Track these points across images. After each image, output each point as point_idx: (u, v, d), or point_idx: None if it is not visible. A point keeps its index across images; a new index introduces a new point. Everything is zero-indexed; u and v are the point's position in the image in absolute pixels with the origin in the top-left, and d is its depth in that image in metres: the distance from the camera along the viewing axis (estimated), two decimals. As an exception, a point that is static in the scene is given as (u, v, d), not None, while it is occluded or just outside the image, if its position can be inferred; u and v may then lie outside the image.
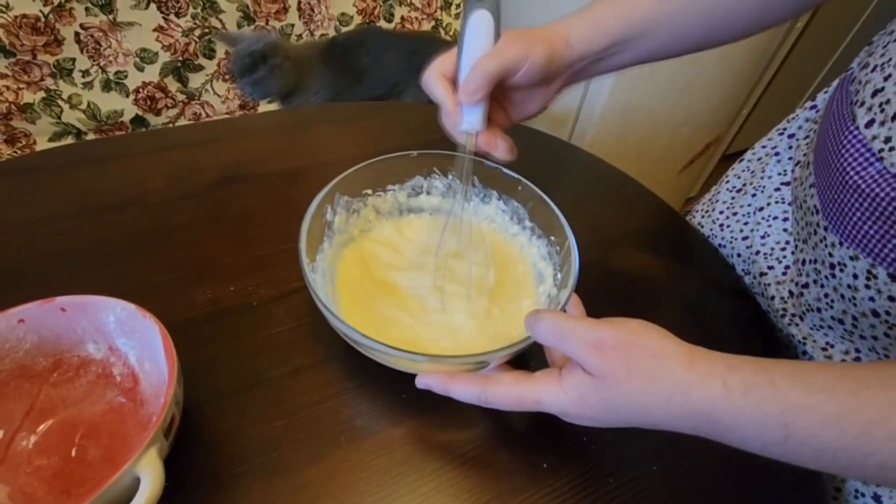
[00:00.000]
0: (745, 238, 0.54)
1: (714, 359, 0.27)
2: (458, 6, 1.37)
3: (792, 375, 0.25)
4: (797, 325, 0.45)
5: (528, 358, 0.37)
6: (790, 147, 0.52)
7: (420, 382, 0.35)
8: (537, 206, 0.45)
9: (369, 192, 0.47)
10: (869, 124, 0.34)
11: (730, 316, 0.51)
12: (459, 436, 0.38)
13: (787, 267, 0.48)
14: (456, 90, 0.39)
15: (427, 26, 1.37)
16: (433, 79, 0.40)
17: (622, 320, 0.30)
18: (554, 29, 0.40)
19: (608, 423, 0.30)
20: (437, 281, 0.44)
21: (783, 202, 0.50)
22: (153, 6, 1.02)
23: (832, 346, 0.42)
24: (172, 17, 1.05)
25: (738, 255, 0.55)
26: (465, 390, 0.33)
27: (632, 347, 0.28)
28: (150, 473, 0.27)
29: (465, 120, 0.39)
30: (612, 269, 0.53)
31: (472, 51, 0.38)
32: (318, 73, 1.02)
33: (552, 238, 0.44)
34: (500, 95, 0.42)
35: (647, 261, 0.55)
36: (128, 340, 0.35)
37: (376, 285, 0.44)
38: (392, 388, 0.39)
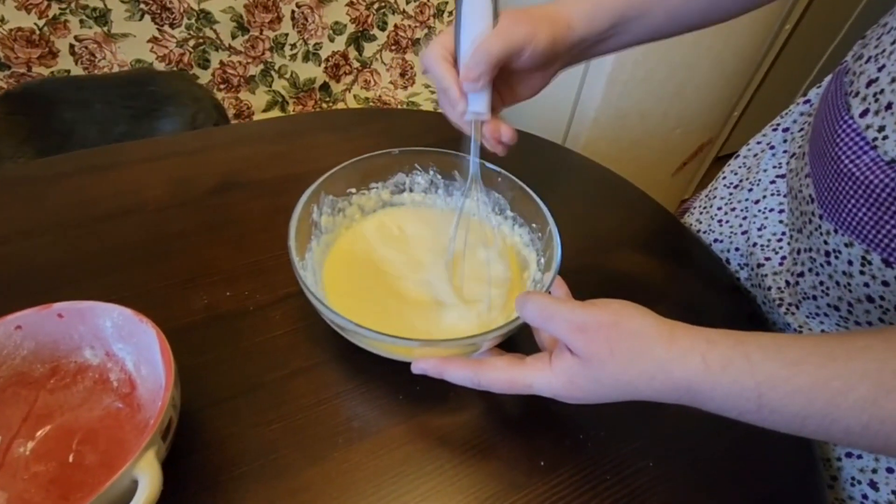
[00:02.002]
0: (744, 232, 0.55)
1: (693, 334, 0.28)
2: (450, 13, 1.38)
3: (766, 348, 0.26)
4: (793, 314, 0.46)
5: (518, 342, 0.38)
6: (784, 140, 0.53)
7: (416, 367, 0.35)
8: (518, 196, 0.46)
9: (353, 190, 0.48)
10: (863, 114, 0.35)
11: (726, 313, 0.51)
12: (457, 435, 0.38)
13: (783, 257, 0.49)
14: (458, 72, 0.36)
15: (420, 34, 1.38)
16: (435, 61, 0.37)
17: (605, 302, 0.30)
18: (555, 10, 0.39)
19: (597, 401, 0.31)
20: (454, 279, 0.44)
21: (779, 194, 0.51)
22: (147, 17, 1.03)
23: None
24: (167, 27, 1.06)
25: (737, 250, 0.56)
26: (459, 373, 0.34)
27: (614, 328, 0.29)
28: (148, 475, 0.27)
29: (470, 107, 0.37)
30: (608, 272, 0.53)
31: (472, 30, 0.35)
32: (8, 132, 0.84)
33: (534, 225, 0.45)
34: (495, 78, 0.39)
35: (644, 262, 0.55)
36: (125, 346, 0.36)
37: (365, 280, 0.44)
38: (388, 389, 0.40)
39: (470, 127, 0.39)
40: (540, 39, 0.36)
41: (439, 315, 0.42)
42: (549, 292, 0.38)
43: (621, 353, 0.28)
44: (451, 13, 1.38)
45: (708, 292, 0.53)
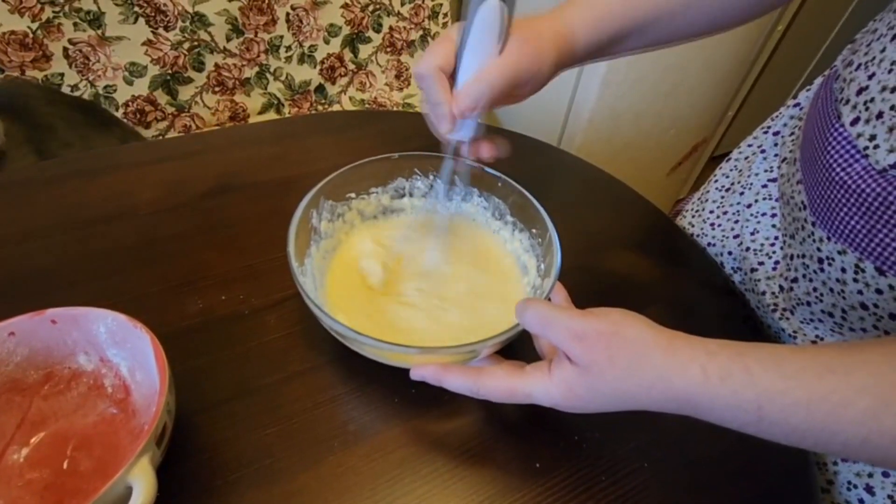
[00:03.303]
0: (736, 236, 0.55)
1: (693, 345, 0.28)
2: (445, 15, 1.38)
3: (765, 360, 0.26)
4: (787, 319, 0.46)
5: (517, 349, 0.38)
6: (775, 144, 0.53)
7: (415, 374, 0.35)
8: (517, 201, 0.46)
9: (353, 195, 0.47)
10: (854, 122, 0.35)
11: (720, 315, 0.51)
12: (453, 438, 0.38)
13: (776, 262, 0.49)
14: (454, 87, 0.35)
15: (415, 36, 1.38)
16: (431, 75, 0.35)
17: (604, 311, 0.30)
18: (562, 26, 0.37)
19: (596, 410, 0.31)
20: (425, 282, 0.44)
21: (770, 198, 0.51)
22: (142, 20, 1.03)
23: (822, 339, 0.43)
24: (161, 30, 1.06)
25: (730, 254, 0.56)
26: (458, 382, 0.33)
27: (613, 337, 0.29)
28: (142, 482, 0.27)
29: (456, 134, 0.36)
30: (602, 272, 0.53)
31: (477, 52, 0.33)
32: (8, 135, 0.80)
33: (534, 231, 0.45)
34: None
35: (637, 263, 0.55)
36: (119, 351, 0.35)
37: (364, 286, 0.44)
38: (384, 392, 0.40)
39: (450, 142, 0.39)
40: (544, 70, 0.36)
41: (437, 321, 0.42)
42: (549, 298, 0.38)
43: (620, 361, 0.28)
44: (446, 14, 1.38)
45: (703, 294, 0.53)
